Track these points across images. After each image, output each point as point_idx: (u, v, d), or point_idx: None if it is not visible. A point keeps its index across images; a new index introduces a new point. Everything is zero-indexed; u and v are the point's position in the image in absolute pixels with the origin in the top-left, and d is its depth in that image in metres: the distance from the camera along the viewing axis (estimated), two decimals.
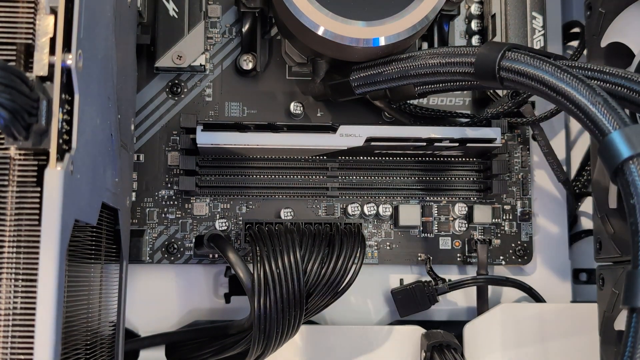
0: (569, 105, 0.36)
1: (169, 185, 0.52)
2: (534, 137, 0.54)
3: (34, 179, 0.30)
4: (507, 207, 0.55)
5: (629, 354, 0.32)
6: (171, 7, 0.51)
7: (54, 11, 0.30)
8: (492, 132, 0.51)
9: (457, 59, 0.42)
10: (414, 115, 0.53)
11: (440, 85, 0.47)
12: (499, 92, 0.54)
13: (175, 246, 0.52)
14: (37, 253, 0.29)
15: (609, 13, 0.46)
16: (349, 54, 0.46)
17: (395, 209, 0.53)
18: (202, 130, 0.48)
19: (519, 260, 0.54)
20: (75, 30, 0.31)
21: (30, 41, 0.30)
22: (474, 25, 0.55)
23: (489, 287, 0.53)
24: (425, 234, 0.54)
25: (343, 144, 0.50)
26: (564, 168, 0.55)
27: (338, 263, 0.45)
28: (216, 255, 0.51)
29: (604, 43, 0.46)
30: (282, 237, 0.45)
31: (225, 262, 0.49)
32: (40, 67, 0.30)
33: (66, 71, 0.30)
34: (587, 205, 0.59)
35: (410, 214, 0.53)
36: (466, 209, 0.54)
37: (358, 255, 0.46)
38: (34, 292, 0.29)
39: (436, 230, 0.54)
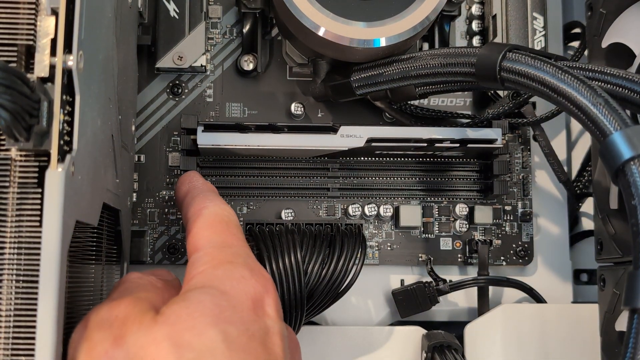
0: (569, 106, 0.36)
1: (170, 186, 0.52)
2: (534, 137, 0.54)
3: (35, 180, 0.30)
4: (508, 208, 0.55)
5: (630, 355, 0.32)
6: (172, 7, 0.51)
7: (54, 12, 0.30)
8: (493, 133, 0.51)
9: (458, 60, 0.42)
10: (415, 116, 0.53)
11: (441, 85, 0.47)
12: (500, 92, 0.54)
13: (176, 247, 0.52)
14: (38, 254, 0.29)
15: (610, 14, 0.46)
16: (350, 54, 0.46)
17: (396, 210, 0.53)
18: (202, 131, 0.48)
19: (520, 260, 0.54)
20: (76, 31, 0.31)
21: (31, 42, 0.30)
22: (474, 25, 0.55)
23: (490, 287, 0.53)
24: (426, 235, 0.54)
25: (344, 145, 0.50)
26: (565, 168, 0.55)
27: (339, 264, 0.45)
28: None
29: (604, 44, 0.46)
30: (282, 238, 0.45)
31: None
32: (41, 68, 0.30)
33: (67, 72, 0.30)
34: (588, 205, 0.59)
35: (411, 214, 0.53)
36: (467, 209, 0.54)
37: (359, 256, 0.46)
38: (35, 293, 0.29)
39: (437, 231, 0.54)
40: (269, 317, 0.33)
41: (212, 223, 0.37)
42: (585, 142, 0.60)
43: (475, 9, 0.55)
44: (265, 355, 0.31)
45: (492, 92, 0.54)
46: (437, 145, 0.50)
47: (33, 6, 0.30)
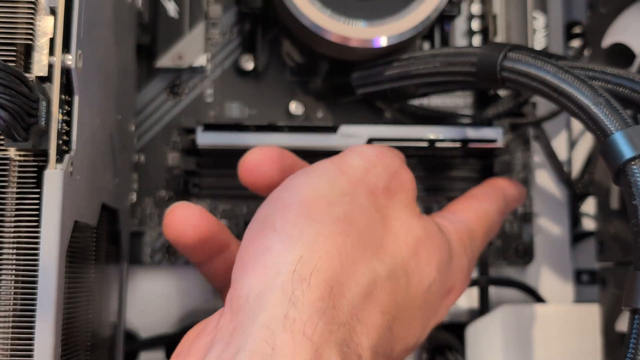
0: (570, 106, 0.36)
1: (169, 186, 0.52)
2: (535, 137, 0.54)
3: (34, 180, 0.30)
4: None
5: (631, 356, 0.32)
6: (172, 7, 0.51)
7: (53, 12, 0.30)
8: (494, 133, 0.50)
9: (458, 59, 0.42)
10: (415, 116, 0.53)
11: (442, 85, 0.47)
12: (500, 92, 0.54)
13: None
14: (37, 254, 0.29)
15: (611, 13, 0.46)
16: (350, 54, 0.46)
17: None
18: (202, 130, 0.48)
19: (521, 261, 0.54)
20: (74, 31, 0.31)
21: (29, 42, 0.30)
22: (475, 25, 0.55)
23: (491, 288, 0.53)
24: None
25: (344, 145, 0.49)
26: (566, 168, 0.55)
27: None
28: None
29: (605, 43, 0.46)
30: None
31: None
32: (39, 67, 0.30)
33: (66, 72, 0.30)
34: (589, 206, 0.59)
35: None
36: None
37: None
38: (34, 293, 0.29)
39: None
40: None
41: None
42: (586, 142, 0.60)
43: (475, 9, 0.55)
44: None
45: (493, 91, 0.54)
46: (437, 145, 0.50)
47: (32, 6, 0.30)
